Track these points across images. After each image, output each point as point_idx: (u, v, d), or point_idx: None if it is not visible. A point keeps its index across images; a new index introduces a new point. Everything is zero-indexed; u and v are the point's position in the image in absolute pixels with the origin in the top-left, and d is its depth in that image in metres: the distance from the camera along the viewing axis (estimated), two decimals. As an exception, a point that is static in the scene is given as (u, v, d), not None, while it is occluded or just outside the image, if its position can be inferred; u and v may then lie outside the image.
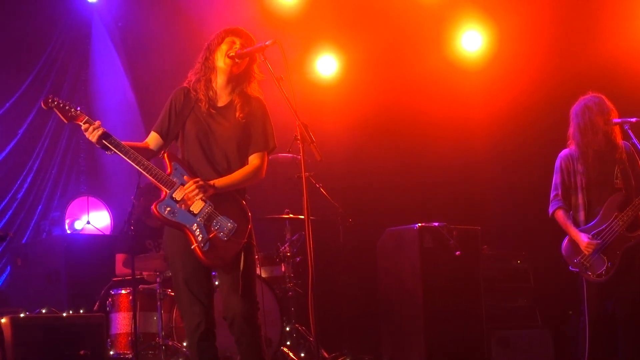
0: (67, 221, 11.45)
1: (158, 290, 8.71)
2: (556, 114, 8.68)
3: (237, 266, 6.16)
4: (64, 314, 9.11)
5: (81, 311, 9.76)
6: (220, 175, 6.23)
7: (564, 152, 8.06)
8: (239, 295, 6.14)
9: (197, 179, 6.09)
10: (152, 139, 6.40)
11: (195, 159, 6.28)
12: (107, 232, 11.67)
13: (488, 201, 11.88)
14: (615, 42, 11.02)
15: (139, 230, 9.36)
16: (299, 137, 6.00)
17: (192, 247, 6.06)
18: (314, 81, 12.79)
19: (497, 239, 11.23)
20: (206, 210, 6.10)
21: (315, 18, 12.43)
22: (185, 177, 6.12)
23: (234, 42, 6.31)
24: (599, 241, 7.71)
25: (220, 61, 6.30)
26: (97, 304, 9.40)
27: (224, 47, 6.31)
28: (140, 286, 8.90)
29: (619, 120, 7.85)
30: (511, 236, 11.52)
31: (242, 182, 6.30)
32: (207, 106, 6.31)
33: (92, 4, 12.80)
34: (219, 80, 6.38)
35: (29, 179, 12.20)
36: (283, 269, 9.80)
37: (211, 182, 6.13)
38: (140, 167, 6.09)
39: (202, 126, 6.30)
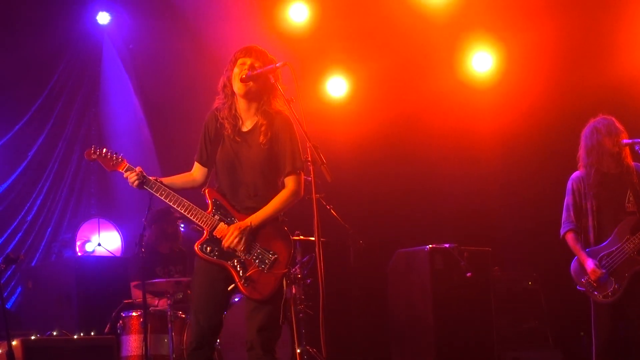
0: (78, 243, 11.46)
1: (169, 313, 8.68)
2: (567, 135, 8.67)
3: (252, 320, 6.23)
4: (75, 336, 9.14)
5: (92, 333, 9.76)
6: (251, 200, 6.25)
7: (575, 174, 8.05)
8: (261, 327, 6.18)
9: (234, 229, 6.11)
10: (197, 170, 6.50)
11: (226, 187, 6.32)
12: (118, 254, 11.67)
13: (499, 222, 11.87)
14: (624, 62, 11.02)
15: (150, 257, 9.36)
16: (309, 159, 6.00)
17: (234, 284, 6.13)
18: (324, 103, 12.79)
19: (508, 260, 11.22)
20: (244, 245, 6.14)
21: (326, 40, 12.46)
22: (222, 224, 6.17)
23: (244, 64, 6.28)
24: (602, 271, 7.69)
25: (236, 85, 6.28)
26: (108, 326, 9.36)
27: (237, 70, 6.27)
28: (151, 308, 8.88)
29: (629, 141, 7.83)
30: (522, 257, 11.50)
31: (279, 210, 6.29)
32: (232, 133, 6.31)
33: (102, 25, 12.84)
34: (240, 105, 6.36)
35: (38, 202, 12.21)
36: (294, 291, 9.79)
37: (248, 221, 6.15)
38: (182, 209, 6.17)
39: (228, 154, 6.31)
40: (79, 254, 11.40)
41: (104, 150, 6.26)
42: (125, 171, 6.20)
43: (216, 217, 6.17)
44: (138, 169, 6.19)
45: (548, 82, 11.41)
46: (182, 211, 6.16)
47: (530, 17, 11.48)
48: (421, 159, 12.24)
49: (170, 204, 6.17)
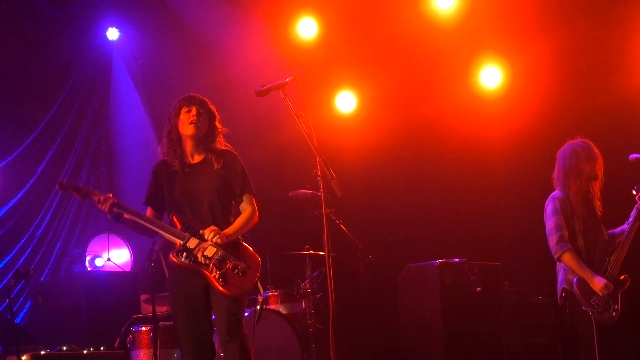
0: (87, 258, 11.47)
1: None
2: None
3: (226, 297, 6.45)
4: (85, 351, 9.15)
5: (102, 348, 9.76)
6: (208, 224, 6.54)
7: (558, 194, 7.95)
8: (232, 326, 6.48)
9: (210, 229, 6.47)
10: (149, 213, 6.84)
11: (189, 216, 6.64)
12: (128, 269, 11.67)
13: (509, 237, 11.84)
14: (629, 76, 11.02)
15: (159, 270, 9.36)
16: (319, 174, 6.02)
17: (212, 283, 6.40)
18: (333, 117, 12.81)
19: (518, 275, 11.20)
20: (219, 253, 6.40)
21: (334, 55, 12.49)
22: (200, 230, 6.49)
23: (189, 110, 6.76)
24: (613, 285, 7.67)
25: (185, 128, 6.73)
26: (118, 341, 9.38)
27: (183, 116, 6.76)
28: (160, 323, 8.87)
29: (638, 155, 7.84)
30: (532, 272, 11.45)
31: (244, 228, 6.70)
32: (181, 167, 6.71)
33: (112, 41, 12.88)
34: (188, 146, 6.80)
35: (47, 217, 12.23)
36: (303, 306, 9.77)
37: (222, 231, 6.50)
38: (154, 227, 6.53)
39: (184, 185, 6.67)
40: (89, 268, 11.41)
41: (75, 184, 6.88)
42: (97, 196, 6.49)
43: (186, 233, 6.49)
44: (109, 195, 6.51)
45: (557, 98, 11.41)
46: (155, 228, 6.51)
47: (537, 33, 11.48)
48: (431, 174, 12.24)
49: (143, 222, 6.51)
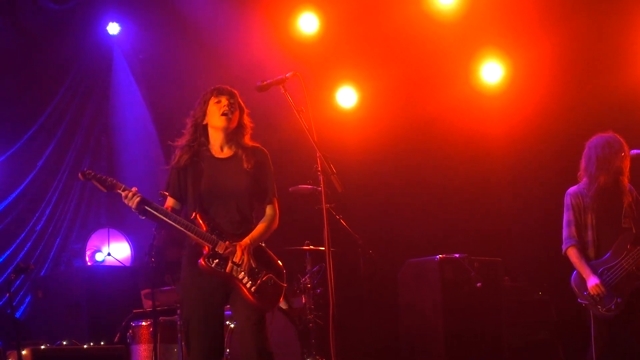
0: (88, 253, 11.46)
1: (179, 322, 8.68)
2: (578, 146, 8.65)
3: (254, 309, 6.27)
4: (85, 346, 9.16)
5: (102, 343, 9.76)
6: (236, 226, 6.35)
7: (572, 189, 8.02)
8: (264, 346, 6.25)
9: (242, 245, 6.21)
10: (171, 204, 6.52)
11: (213, 213, 6.37)
12: (128, 264, 11.67)
13: (509, 232, 11.85)
14: (630, 71, 11.03)
15: (159, 264, 9.37)
16: (319, 169, 6.02)
17: (243, 294, 6.21)
18: (334, 113, 12.80)
19: (518, 271, 11.20)
20: (247, 260, 6.21)
21: (335, 50, 12.48)
22: (227, 242, 6.21)
23: (220, 101, 6.43)
24: (605, 289, 7.66)
25: (215, 120, 6.43)
26: (118, 335, 9.37)
27: (213, 107, 6.44)
28: (160, 318, 8.88)
29: (638, 151, 7.85)
30: (532, 268, 11.46)
31: (266, 234, 6.45)
32: (212, 163, 6.43)
33: (113, 36, 12.87)
34: (217, 140, 6.50)
35: (47, 212, 12.21)
36: (303, 301, 9.78)
37: (246, 241, 6.25)
38: (181, 227, 6.18)
39: (210, 180, 6.39)
40: (89, 263, 11.41)
41: (98, 173, 6.20)
42: (122, 191, 6.15)
43: (214, 235, 6.22)
44: (134, 189, 6.17)
45: (558, 93, 11.41)
46: (182, 228, 6.18)
47: (538, 28, 11.48)
48: (431, 169, 12.25)
49: (170, 221, 6.19)
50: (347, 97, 13.03)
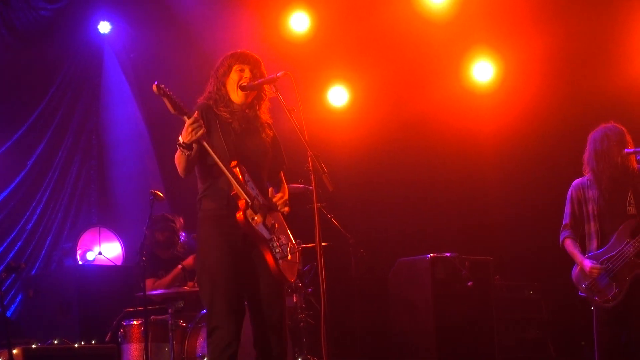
0: (79, 252, 11.44)
1: (170, 321, 8.67)
2: (569, 145, 8.68)
3: (277, 305, 6.22)
4: (76, 345, 9.13)
5: (93, 342, 9.74)
6: (262, 187, 6.26)
7: (575, 182, 8.06)
8: (279, 337, 6.20)
9: (282, 196, 6.26)
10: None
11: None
12: (119, 263, 11.66)
13: (500, 231, 11.87)
14: (621, 68, 11.06)
15: (152, 262, 9.37)
16: (310, 168, 6.01)
17: (270, 262, 6.10)
18: (325, 112, 12.81)
19: (509, 270, 11.21)
20: (276, 226, 6.19)
21: (327, 49, 12.48)
22: (272, 191, 6.21)
23: (242, 70, 6.32)
24: (601, 266, 7.68)
25: (234, 94, 6.32)
26: (109, 334, 9.36)
27: (234, 76, 6.32)
28: (152, 317, 8.87)
29: (631, 150, 7.84)
30: (523, 266, 11.49)
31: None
32: (236, 124, 6.27)
33: (103, 35, 12.85)
34: (236, 107, 6.35)
35: (38, 210, 12.18)
36: (295, 300, 9.76)
37: (280, 194, 6.30)
38: (228, 172, 5.99)
39: (238, 140, 6.23)
40: (80, 262, 11.39)
41: (172, 92, 5.95)
42: (189, 118, 5.87)
43: (250, 189, 6.07)
44: (200, 120, 5.93)
45: (550, 92, 11.44)
46: (229, 174, 5.98)
47: (529, 27, 11.50)
48: (422, 168, 12.26)
49: (220, 164, 5.96)
50: (338, 96, 13.04)
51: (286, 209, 6.23)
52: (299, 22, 12.70)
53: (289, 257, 6.21)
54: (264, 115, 6.49)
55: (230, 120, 6.24)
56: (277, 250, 6.13)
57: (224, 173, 5.99)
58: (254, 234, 6.08)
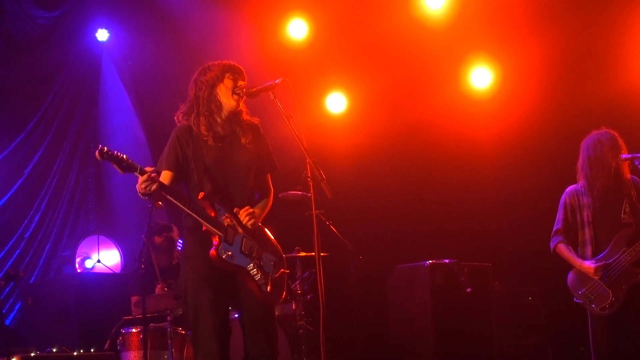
0: (77, 260, 11.44)
1: (169, 329, 8.66)
2: (567, 151, 8.68)
3: (264, 305, 6.23)
4: (75, 353, 9.13)
5: (92, 350, 9.74)
6: (243, 201, 6.27)
7: (569, 188, 8.05)
8: (266, 338, 6.22)
9: (248, 208, 6.18)
10: (168, 178, 6.22)
11: (218, 190, 6.24)
12: (118, 271, 11.66)
13: (499, 238, 11.86)
14: (619, 75, 11.06)
15: (149, 270, 9.37)
16: (309, 175, 6.01)
17: (251, 288, 6.13)
18: (323, 118, 12.81)
19: (508, 276, 11.21)
20: (255, 248, 6.19)
21: (325, 56, 12.49)
22: (230, 228, 6.12)
23: (236, 80, 6.35)
24: (602, 263, 7.66)
25: (227, 99, 6.33)
26: (108, 342, 9.36)
27: (227, 83, 6.35)
28: (151, 324, 8.86)
29: (629, 155, 7.82)
30: (522, 273, 11.48)
31: (267, 210, 6.48)
32: (213, 139, 6.28)
33: (102, 42, 12.86)
34: (223, 115, 6.37)
35: (36, 218, 12.18)
36: (294, 307, 9.77)
37: (254, 209, 6.25)
38: (193, 212, 6.02)
39: (215, 156, 6.26)
40: (79, 270, 11.39)
41: (116, 151, 5.86)
42: (139, 173, 5.85)
43: (223, 220, 6.11)
44: (151, 168, 5.95)
45: (547, 98, 11.45)
46: (195, 215, 6.02)
47: (527, 33, 11.52)
48: (420, 175, 12.27)
49: (183, 207, 6.00)
50: (336, 103, 13.04)
51: (251, 222, 6.17)
52: (297, 29, 12.72)
53: (275, 275, 6.23)
54: (247, 116, 6.50)
55: (208, 139, 6.27)
56: (258, 277, 6.15)
57: (191, 215, 6.04)
58: (230, 268, 6.11)
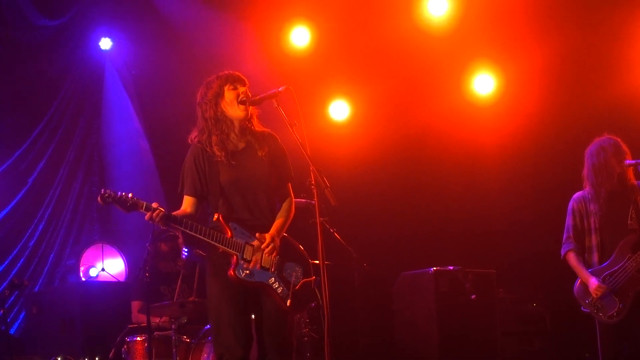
0: (82, 268, 11.44)
1: (173, 337, 8.65)
2: (571, 156, 8.67)
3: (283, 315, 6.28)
4: (79, 361, 9.12)
5: (97, 358, 9.73)
6: (262, 217, 6.30)
7: (576, 195, 8.04)
8: (286, 344, 6.33)
9: (267, 238, 6.16)
10: (189, 204, 6.31)
11: (236, 209, 6.25)
12: (122, 279, 11.66)
13: (503, 244, 11.85)
14: (621, 81, 11.06)
15: (153, 277, 9.36)
16: (313, 183, 6.01)
17: (275, 299, 6.18)
18: (327, 126, 12.81)
19: (513, 282, 11.20)
20: (275, 261, 6.20)
21: (328, 63, 12.49)
22: (257, 234, 6.16)
23: (236, 88, 6.34)
24: (606, 286, 7.66)
25: (234, 110, 6.32)
26: (113, 351, 9.34)
27: (229, 95, 6.34)
28: (155, 333, 8.85)
29: (633, 161, 7.82)
30: (527, 279, 11.47)
31: (290, 219, 6.45)
32: (227, 157, 6.26)
33: (105, 51, 12.87)
34: (234, 131, 6.37)
35: (40, 227, 12.17)
36: (298, 315, 9.76)
37: (272, 233, 6.22)
38: (206, 237, 6.06)
39: (231, 173, 6.25)
40: (83, 279, 11.39)
41: (117, 193, 5.89)
42: (145, 210, 5.92)
43: (239, 240, 6.12)
44: (155, 204, 5.97)
45: (550, 104, 11.45)
46: (207, 239, 6.06)
47: (529, 40, 11.52)
48: (424, 182, 12.26)
49: (198, 235, 6.05)
50: (339, 110, 13.04)
51: (274, 255, 6.20)
52: (299, 37, 12.73)
53: (297, 287, 6.27)
54: (259, 126, 6.49)
55: (221, 159, 6.25)
56: (280, 290, 6.19)
57: (205, 241, 6.08)
58: (251, 285, 6.14)
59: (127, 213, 5.99)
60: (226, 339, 6.10)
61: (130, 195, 5.93)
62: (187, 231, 6.04)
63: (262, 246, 6.14)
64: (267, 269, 6.16)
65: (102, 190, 5.88)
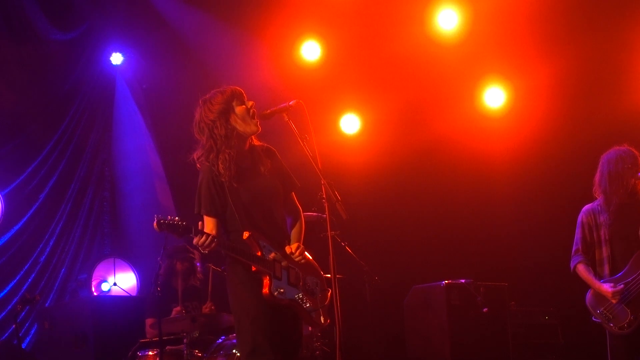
0: (93, 283, 11.45)
1: (185, 351, 8.64)
2: (580, 167, 8.67)
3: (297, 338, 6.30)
4: (92, 376, 9.11)
5: (108, 373, 9.73)
6: (279, 231, 6.29)
7: (586, 207, 8.03)
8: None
9: (295, 245, 6.25)
10: (213, 225, 6.16)
11: (257, 225, 6.17)
12: (134, 294, 11.66)
13: (515, 257, 11.82)
14: (632, 93, 11.06)
15: (166, 293, 9.36)
16: (324, 196, 6.01)
17: (304, 316, 6.23)
18: (338, 139, 12.82)
19: (525, 295, 11.17)
20: (300, 275, 6.23)
21: (338, 77, 12.51)
22: (287, 247, 6.23)
23: (244, 103, 6.26)
24: (622, 286, 7.62)
25: (247, 125, 6.25)
26: (124, 365, 9.36)
27: (240, 110, 6.25)
28: (167, 347, 8.85)
29: (645, 174, 7.82)
30: (539, 292, 11.45)
31: (303, 228, 6.48)
32: (240, 175, 6.18)
33: (116, 66, 12.90)
34: (247, 145, 6.33)
35: (51, 243, 12.18)
36: (310, 328, 9.74)
37: (297, 243, 6.30)
38: (247, 260, 6.00)
39: (251, 193, 6.19)
40: (95, 293, 11.39)
41: (171, 218, 5.81)
42: (195, 234, 5.84)
43: (269, 258, 6.08)
44: (211, 235, 5.90)
45: (560, 116, 11.45)
46: (249, 261, 5.99)
47: (538, 54, 11.54)
48: (435, 194, 12.25)
49: (240, 257, 5.98)
50: (350, 123, 13.05)
51: (300, 258, 6.25)
52: (310, 51, 12.76)
53: (325, 303, 6.34)
54: (256, 141, 6.44)
55: (230, 178, 6.14)
56: (307, 305, 6.21)
57: (241, 261, 6.03)
58: (284, 303, 6.10)
59: (179, 238, 5.94)
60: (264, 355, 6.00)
61: (184, 222, 5.83)
62: (234, 254, 5.99)
63: (293, 249, 6.20)
64: (294, 285, 6.17)
65: (156, 216, 5.80)
